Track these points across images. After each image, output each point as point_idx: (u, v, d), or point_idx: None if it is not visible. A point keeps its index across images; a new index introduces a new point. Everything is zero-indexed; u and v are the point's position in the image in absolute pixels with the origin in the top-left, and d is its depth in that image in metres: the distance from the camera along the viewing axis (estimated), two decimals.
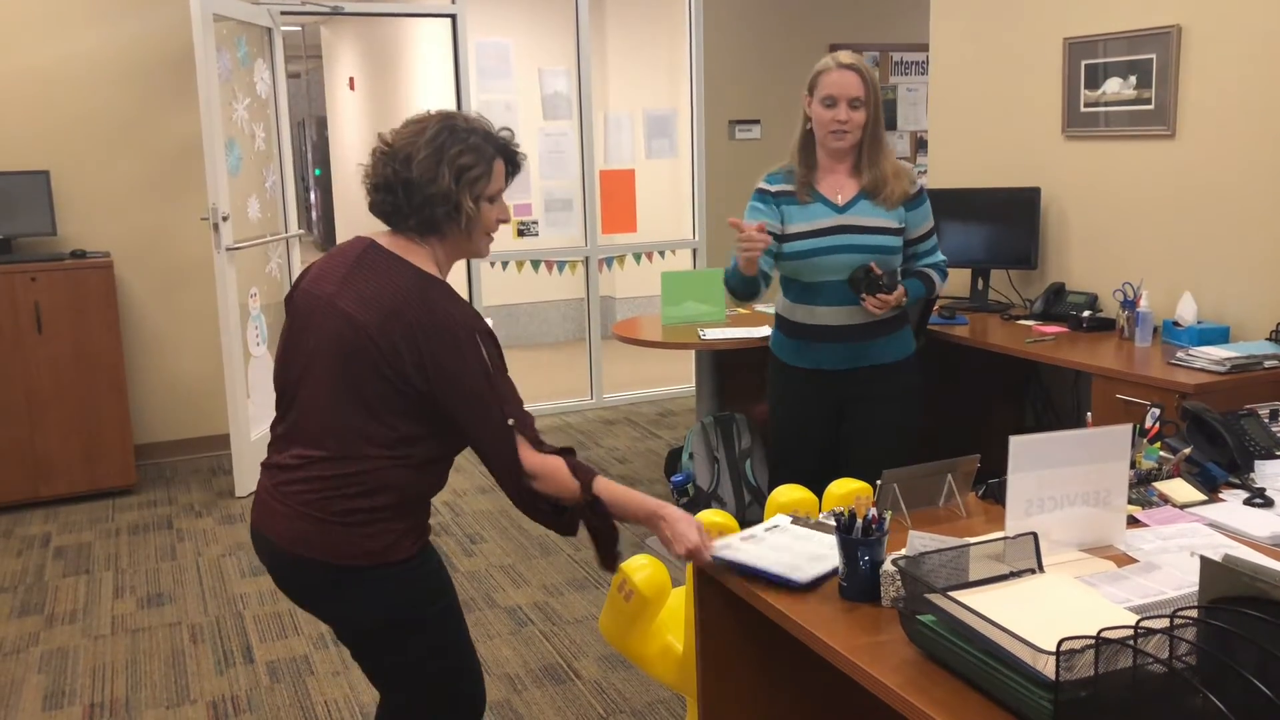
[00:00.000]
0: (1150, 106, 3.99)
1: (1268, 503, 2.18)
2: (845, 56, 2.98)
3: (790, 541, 2.04)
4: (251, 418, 5.15)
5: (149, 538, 4.58)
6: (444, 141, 1.96)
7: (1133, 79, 4.05)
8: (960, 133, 4.86)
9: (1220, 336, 3.70)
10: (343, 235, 13.56)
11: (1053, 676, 1.36)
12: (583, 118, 6.21)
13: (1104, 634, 1.33)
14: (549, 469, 1.97)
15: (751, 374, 4.54)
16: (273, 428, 2.10)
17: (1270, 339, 3.57)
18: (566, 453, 2.02)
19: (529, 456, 1.96)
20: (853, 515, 1.83)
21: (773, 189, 3.08)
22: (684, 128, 6.66)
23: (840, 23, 6.95)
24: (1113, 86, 4.14)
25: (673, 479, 4.36)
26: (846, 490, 2.38)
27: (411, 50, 9.71)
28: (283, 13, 5.53)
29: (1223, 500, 2.21)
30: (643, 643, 2.47)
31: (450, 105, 7.81)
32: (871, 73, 2.97)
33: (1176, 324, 3.79)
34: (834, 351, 3.08)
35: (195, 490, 5.18)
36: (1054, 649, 1.37)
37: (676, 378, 6.87)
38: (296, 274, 5.76)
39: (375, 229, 2.12)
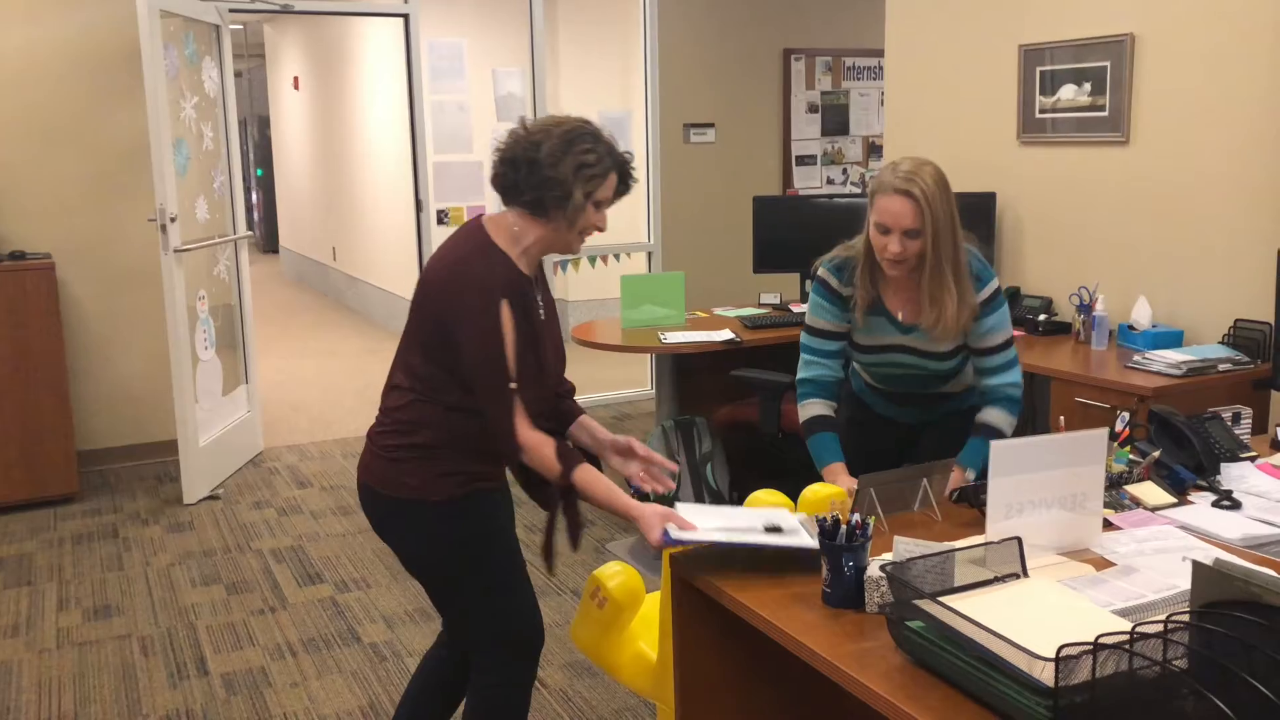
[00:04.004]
0: (1104, 113, 4.04)
1: (1235, 505, 2.21)
2: (901, 178, 2.56)
3: (740, 515, 2.04)
4: (200, 423, 5.04)
5: (93, 547, 4.45)
6: (575, 138, 2.13)
7: (1087, 86, 4.10)
8: (916, 138, 4.89)
9: (1174, 340, 3.76)
10: (285, 238, 13.35)
11: (1047, 682, 1.36)
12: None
13: (1101, 639, 1.33)
14: (536, 444, 2.14)
15: (711, 377, 4.54)
16: None
17: (1223, 342, 3.63)
18: (558, 435, 2.21)
19: (523, 428, 2.13)
20: (836, 521, 1.81)
21: (844, 291, 2.76)
22: (639, 130, 6.64)
23: (794, 27, 6.99)
24: (1067, 93, 4.19)
25: (633, 483, 4.33)
26: (822, 495, 2.37)
27: (359, 50, 9.58)
28: (231, 10, 5.42)
29: (1192, 503, 2.24)
30: (615, 650, 2.44)
31: (402, 106, 7.72)
32: (933, 193, 2.56)
33: (1132, 328, 3.85)
34: (885, 405, 2.95)
35: (141, 498, 5.05)
36: (1049, 655, 1.36)
37: (633, 381, 6.84)
38: (245, 278, 5.66)
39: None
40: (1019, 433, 2.71)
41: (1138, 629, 1.35)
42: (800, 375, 2.85)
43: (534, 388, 2.18)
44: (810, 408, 2.80)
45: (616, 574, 2.40)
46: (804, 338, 2.85)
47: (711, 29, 6.77)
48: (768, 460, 4.33)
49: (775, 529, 1.97)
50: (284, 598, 3.93)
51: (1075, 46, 4.13)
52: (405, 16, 5.84)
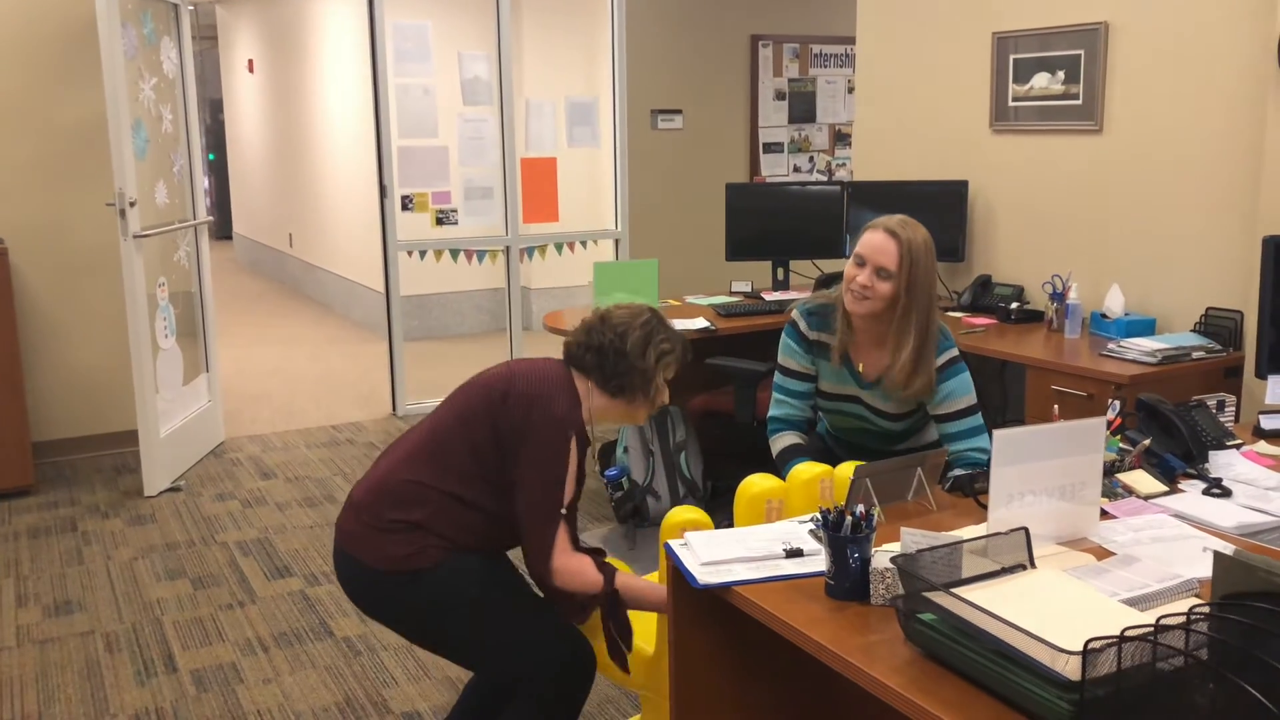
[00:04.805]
0: (1078, 101, 4.06)
1: (1225, 492, 2.22)
2: (894, 223, 2.65)
3: (755, 537, 2.00)
4: (161, 413, 4.92)
5: (51, 541, 4.33)
6: (653, 330, 2.41)
7: (1060, 74, 4.11)
8: (887, 125, 4.89)
9: (1147, 328, 3.79)
10: (239, 224, 13.12)
11: (1069, 676, 1.35)
12: (503, 104, 6.09)
13: (1127, 632, 1.31)
14: (577, 567, 2.29)
15: (685, 367, 4.51)
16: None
17: (1195, 330, 3.67)
18: (596, 553, 2.36)
19: (559, 556, 2.27)
20: (840, 513, 1.79)
21: (811, 335, 2.85)
22: (606, 116, 6.58)
23: (762, 13, 6.96)
24: (1040, 81, 4.20)
25: (607, 473, 4.30)
26: (811, 474, 2.36)
27: (316, 32, 9.41)
28: None
29: (1183, 491, 2.25)
30: (602, 639, 2.41)
31: (362, 89, 7.58)
32: (918, 248, 2.62)
33: (1104, 316, 3.87)
34: (853, 452, 2.96)
35: (99, 490, 4.92)
36: (1068, 647, 1.35)
37: None
38: (205, 264, 5.52)
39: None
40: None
41: (1162, 620, 1.33)
42: (771, 413, 2.94)
43: (570, 525, 2.33)
44: (781, 439, 2.90)
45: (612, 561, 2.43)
46: (776, 376, 2.95)
47: (679, 14, 6.73)
48: (743, 448, 4.31)
49: (796, 552, 1.93)
50: (252, 591, 3.84)
51: (1049, 34, 4.13)
52: None
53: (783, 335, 2.91)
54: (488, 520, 2.30)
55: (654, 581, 2.35)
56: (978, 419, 2.73)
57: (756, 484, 2.32)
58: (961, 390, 2.72)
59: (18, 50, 4.99)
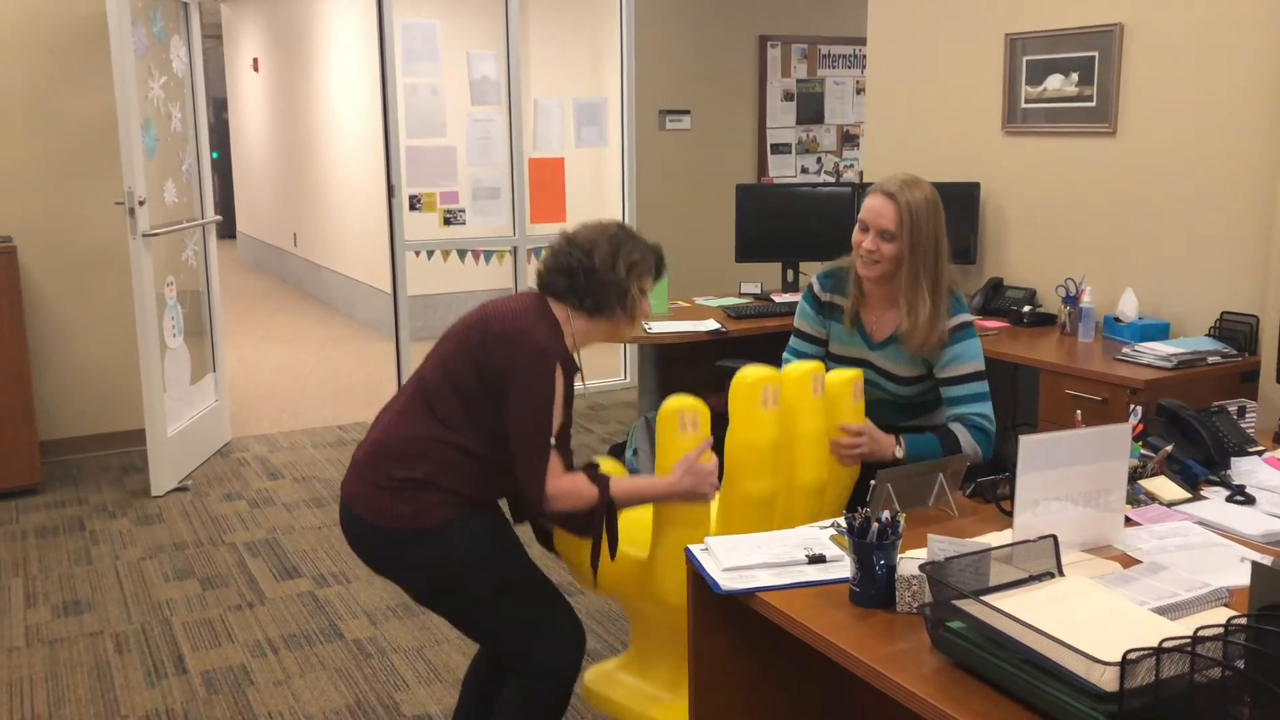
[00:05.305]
0: (1092, 104, 4.04)
1: (1249, 500, 2.20)
2: (893, 184, 2.67)
3: (777, 542, 1.99)
4: (169, 412, 4.90)
5: (59, 541, 4.32)
6: (620, 241, 2.37)
7: (1074, 76, 4.10)
8: (898, 127, 4.87)
9: (1161, 332, 3.77)
10: (243, 223, 13.11)
11: (1104, 687, 1.33)
12: (511, 104, 6.07)
13: (1165, 643, 1.29)
14: (568, 487, 2.29)
15: (694, 368, 4.49)
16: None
17: (1211, 334, 3.65)
18: (589, 468, 2.37)
19: (553, 482, 2.26)
20: (866, 519, 1.77)
21: (824, 297, 2.89)
22: (614, 117, 6.57)
23: (770, 14, 6.94)
24: (1054, 83, 4.18)
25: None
26: (803, 370, 2.47)
27: (322, 31, 9.40)
28: None
29: (1205, 498, 2.23)
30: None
31: (368, 89, 7.57)
32: (918, 206, 2.64)
33: (1118, 320, 3.85)
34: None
35: (106, 489, 4.90)
36: (1105, 658, 1.33)
37: (604, 371, 6.78)
38: (213, 263, 5.52)
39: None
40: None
41: (1199, 631, 1.32)
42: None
43: (563, 450, 2.33)
44: None
45: (608, 462, 2.54)
46: (790, 340, 2.99)
47: (687, 15, 6.71)
48: None
49: (819, 557, 1.91)
50: (261, 593, 3.83)
51: (1063, 36, 4.12)
52: None
53: (800, 298, 2.98)
54: (484, 467, 2.28)
55: (647, 478, 2.41)
56: (983, 386, 2.72)
57: (753, 372, 2.41)
58: (969, 355, 2.71)
59: (28, 48, 4.98)
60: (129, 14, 4.55)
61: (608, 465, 2.53)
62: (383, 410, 2.40)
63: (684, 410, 2.41)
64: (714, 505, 2.49)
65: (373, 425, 2.39)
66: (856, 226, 2.73)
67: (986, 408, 2.70)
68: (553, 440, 2.27)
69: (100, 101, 5.01)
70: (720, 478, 2.41)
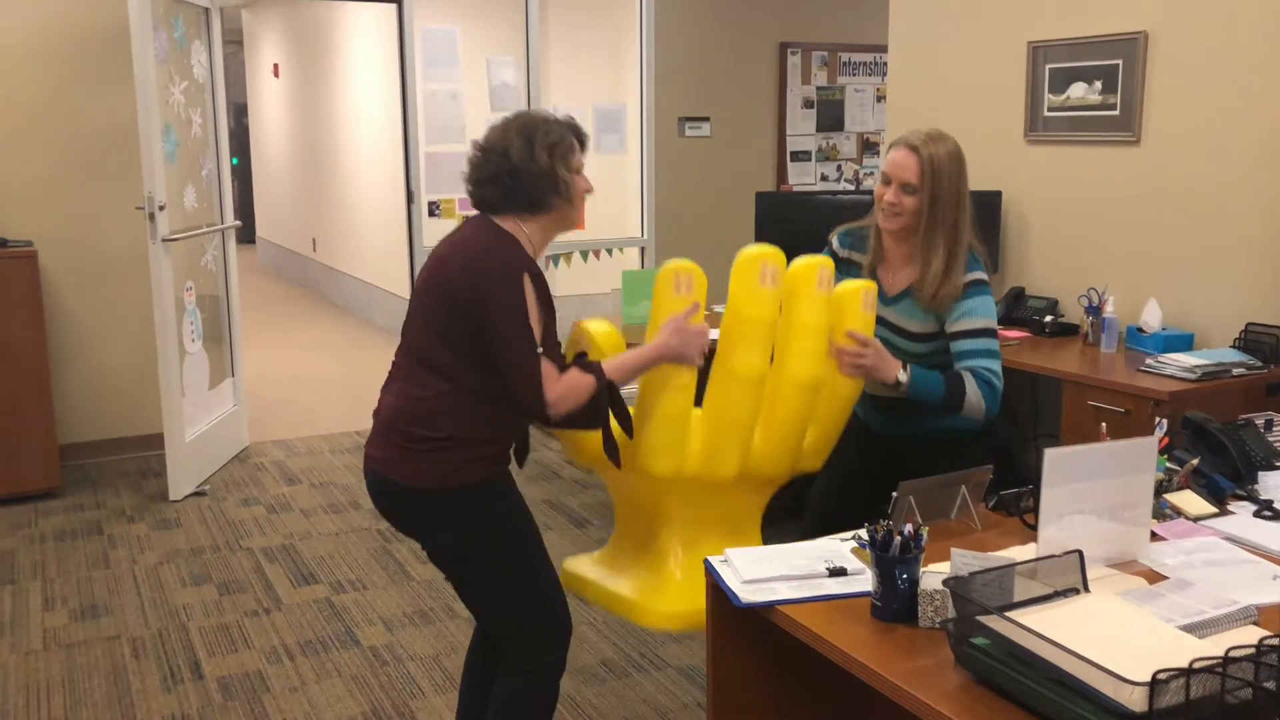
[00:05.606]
0: (1115, 112, 4.01)
1: (1277, 515, 2.17)
2: (917, 138, 2.65)
3: (797, 554, 1.97)
4: (187, 417, 4.91)
5: (77, 544, 4.33)
6: (530, 127, 2.26)
7: (1098, 84, 4.06)
8: None
9: (1185, 343, 3.73)
10: (262, 228, 13.16)
11: (1133, 707, 1.31)
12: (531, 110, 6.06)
13: (1196, 663, 1.27)
14: (565, 385, 2.27)
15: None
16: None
17: (1235, 346, 3.61)
18: (577, 359, 2.40)
19: (551, 388, 2.23)
20: (888, 532, 1.75)
21: (842, 254, 2.88)
22: (633, 123, 6.56)
23: (790, 22, 6.93)
24: (1077, 91, 4.15)
25: None
26: (810, 262, 2.54)
27: (343, 37, 9.43)
28: None
29: (1232, 512, 2.20)
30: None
31: (388, 95, 7.60)
32: (941, 160, 2.62)
33: (1141, 330, 3.81)
34: (875, 417, 2.88)
35: (125, 494, 4.92)
36: (1130, 676, 1.31)
37: None
38: (233, 268, 5.53)
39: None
40: (1020, 440, 2.67)
41: (1231, 651, 1.29)
42: None
43: (553, 357, 2.29)
44: None
45: (602, 326, 2.61)
46: None
47: (707, 21, 6.70)
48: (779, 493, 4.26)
49: (839, 570, 1.89)
50: (278, 598, 3.83)
51: (1086, 44, 4.08)
52: (399, 2, 5.72)
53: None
54: (497, 408, 2.26)
55: (635, 349, 2.45)
56: (993, 344, 2.66)
57: (756, 248, 2.48)
58: (981, 311, 2.65)
59: (50, 54, 5.01)
60: (150, 20, 4.57)
61: (598, 325, 2.60)
62: (387, 380, 2.37)
63: (679, 271, 2.47)
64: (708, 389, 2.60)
65: (382, 393, 2.36)
66: (879, 179, 2.74)
67: (995, 364, 2.63)
68: (539, 349, 2.24)
69: (121, 107, 5.03)
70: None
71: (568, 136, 2.29)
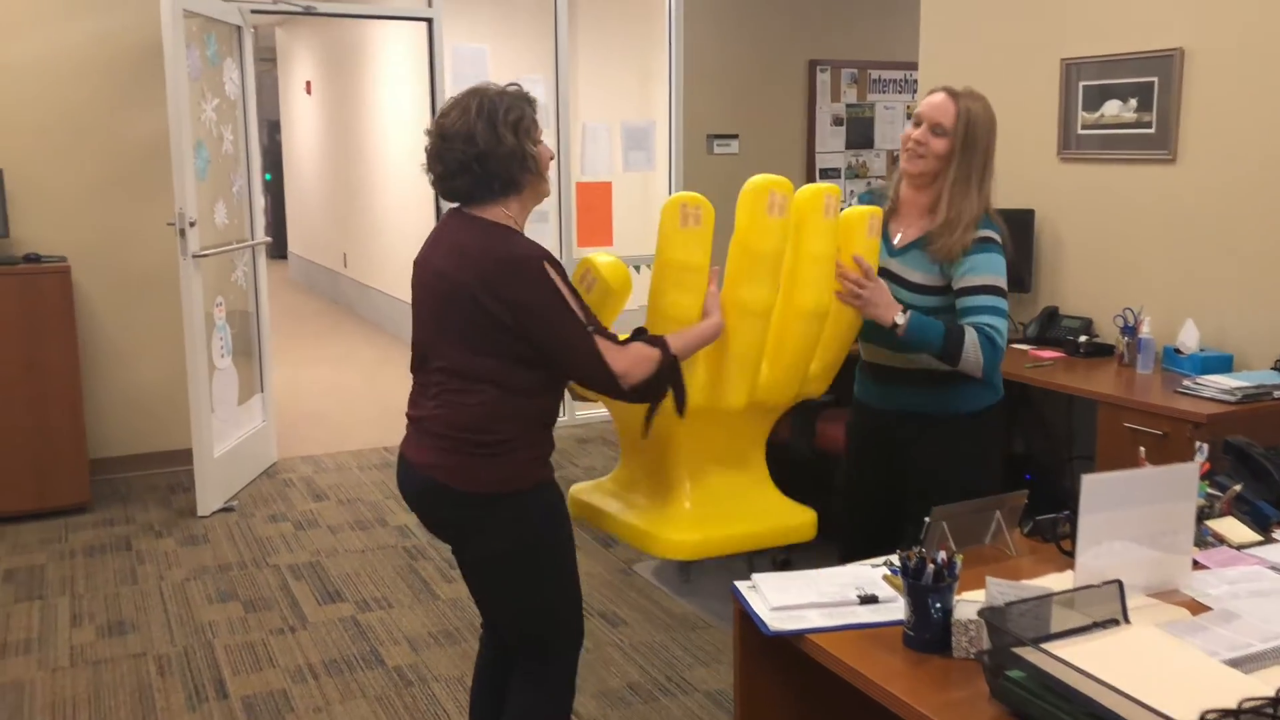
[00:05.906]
0: (1151, 130, 3.95)
1: None
2: (957, 88, 2.68)
3: (827, 581, 1.93)
4: (216, 432, 4.93)
5: (106, 560, 4.34)
6: (488, 107, 2.18)
7: (1133, 102, 4.01)
8: None
9: (1223, 365, 3.65)
10: (294, 243, 13.26)
11: None
12: (560, 127, 6.07)
13: (1245, 704, 1.22)
14: (632, 359, 2.27)
15: None
16: (412, 390, 2.38)
17: (1275, 368, 3.53)
18: (638, 333, 2.38)
19: (616, 361, 2.23)
20: (921, 559, 1.71)
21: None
22: (661, 140, 6.55)
23: (820, 39, 6.90)
24: (1112, 109, 4.09)
25: None
26: (816, 189, 2.57)
27: (375, 54, 9.50)
28: (254, 11, 5.33)
29: (1277, 540, 2.13)
30: None
31: (419, 112, 7.63)
32: (977, 111, 2.63)
33: (1178, 351, 3.74)
34: (871, 390, 2.86)
35: (153, 509, 4.93)
36: (1177, 715, 1.26)
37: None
38: (263, 284, 5.56)
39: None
40: (1054, 462, 2.62)
41: None
42: None
43: (601, 331, 2.26)
44: None
45: (607, 259, 2.58)
46: None
47: (736, 39, 6.69)
48: (801, 481, 4.21)
49: (871, 598, 1.85)
50: (303, 616, 3.82)
51: (1120, 61, 4.03)
52: (429, 21, 5.75)
53: None
54: (543, 399, 2.26)
55: (694, 326, 2.49)
56: (999, 302, 2.60)
57: (763, 177, 2.49)
58: (988, 267, 2.61)
59: (83, 70, 5.07)
60: (183, 37, 4.61)
61: (604, 258, 2.59)
62: (417, 400, 2.32)
63: (686, 203, 2.48)
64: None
65: (420, 411, 2.30)
66: (910, 121, 2.72)
67: (1000, 322, 2.58)
68: (590, 327, 2.22)
69: (153, 123, 5.07)
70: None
71: (526, 110, 2.23)
